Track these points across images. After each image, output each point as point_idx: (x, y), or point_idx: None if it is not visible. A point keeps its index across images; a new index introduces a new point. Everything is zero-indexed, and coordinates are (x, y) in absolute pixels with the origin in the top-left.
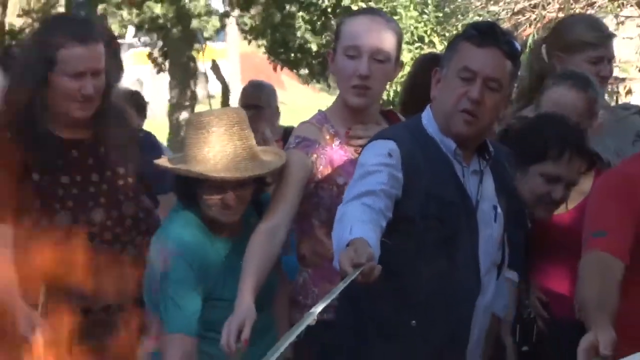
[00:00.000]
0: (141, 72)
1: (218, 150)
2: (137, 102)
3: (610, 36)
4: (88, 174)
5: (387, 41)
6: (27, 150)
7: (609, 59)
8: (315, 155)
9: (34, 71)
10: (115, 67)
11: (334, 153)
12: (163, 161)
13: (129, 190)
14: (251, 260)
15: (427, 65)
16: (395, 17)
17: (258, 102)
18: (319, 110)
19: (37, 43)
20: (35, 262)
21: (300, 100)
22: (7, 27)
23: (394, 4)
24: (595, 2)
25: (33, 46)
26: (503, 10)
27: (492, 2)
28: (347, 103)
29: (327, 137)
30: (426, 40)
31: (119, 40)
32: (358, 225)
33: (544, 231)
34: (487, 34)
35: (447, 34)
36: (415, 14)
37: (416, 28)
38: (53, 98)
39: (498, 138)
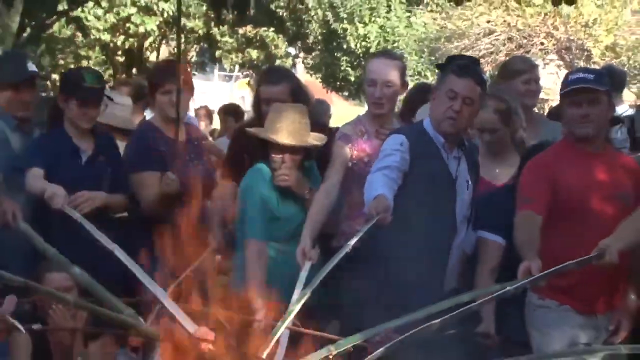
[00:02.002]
0: (244, 93)
1: (284, 126)
2: (237, 112)
3: (534, 65)
4: None
5: (392, 74)
6: None
7: (536, 80)
8: (350, 145)
9: None
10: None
11: (363, 143)
12: (252, 130)
13: None
14: (313, 209)
15: (419, 90)
16: (402, 59)
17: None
18: (358, 116)
19: None
20: None
21: (342, 112)
22: None
23: (402, 50)
24: (529, 51)
25: None
26: (472, 56)
27: (464, 50)
28: (372, 113)
29: (359, 133)
30: (422, 74)
31: (230, 74)
32: (380, 187)
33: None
34: (465, 68)
35: (436, 70)
36: (416, 57)
37: (416, 65)
38: None
39: None
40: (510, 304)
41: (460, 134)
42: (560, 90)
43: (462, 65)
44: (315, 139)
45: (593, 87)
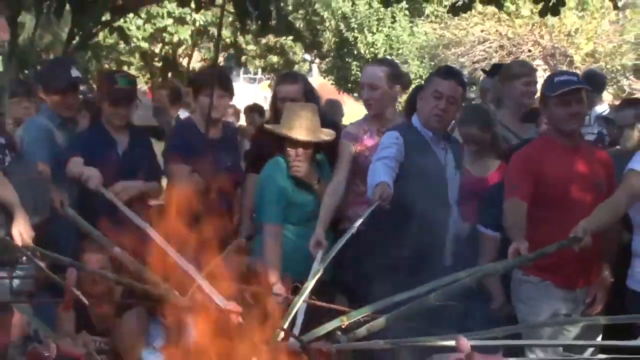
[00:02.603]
0: (266, 94)
1: (298, 124)
2: (261, 111)
3: (533, 69)
4: None
5: (378, 78)
6: None
7: (534, 82)
8: (354, 142)
9: None
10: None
11: (365, 140)
12: (269, 126)
13: None
14: (324, 206)
15: (419, 91)
16: (406, 64)
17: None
18: (365, 116)
19: None
20: None
21: (353, 111)
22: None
23: (405, 56)
24: (518, 57)
25: None
26: (467, 61)
27: (460, 56)
28: (369, 114)
29: (362, 132)
30: (423, 77)
31: (254, 76)
32: (382, 175)
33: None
34: (448, 72)
35: None
36: (417, 62)
37: (418, 70)
38: None
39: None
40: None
41: (446, 129)
42: (550, 91)
43: (446, 70)
44: (325, 134)
45: (583, 86)
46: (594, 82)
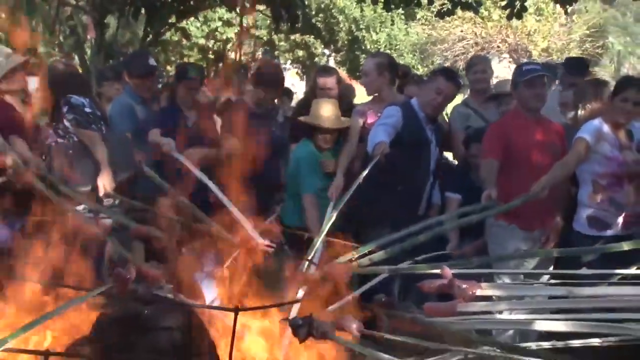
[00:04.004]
0: (294, 81)
1: (324, 115)
2: (290, 93)
3: (484, 61)
4: None
5: (367, 66)
6: None
7: (485, 71)
8: (362, 117)
9: None
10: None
11: (368, 117)
12: (302, 118)
13: None
14: (341, 160)
15: (410, 78)
16: (402, 57)
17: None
18: (372, 98)
19: None
20: None
21: (361, 94)
22: None
23: (401, 51)
24: (489, 52)
25: None
26: (450, 55)
27: (444, 51)
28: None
29: (367, 109)
30: (415, 67)
31: (285, 66)
32: (381, 136)
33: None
34: (451, 76)
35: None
36: (411, 55)
37: (411, 62)
38: None
39: None
40: None
41: (436, 116)
42: (521, 77)
43: (449, 73)
44: (345, 122)
45: (545, 73)
46: (551, 71)
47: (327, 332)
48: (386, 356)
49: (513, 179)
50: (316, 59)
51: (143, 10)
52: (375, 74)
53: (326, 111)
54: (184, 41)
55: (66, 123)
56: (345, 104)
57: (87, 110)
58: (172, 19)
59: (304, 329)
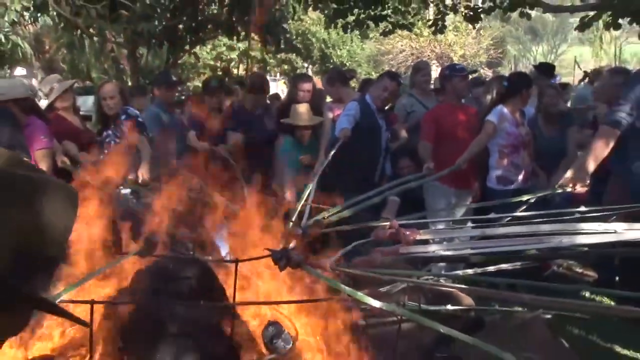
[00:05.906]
0: (282, 88)
1: (302, 117)
2: (278, 98)
3: (428, 66)
4: None
5: (323, 82)
6: None
7: (428, 73)
8: (329, 112)
9: None
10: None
11: (335, 111)
12: (284, 120)
13: None
14: (321, 145)
15: (364, 81)
16: (360, 67)
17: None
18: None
19: None
20: None
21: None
22: None
23: (359, 62)
24: (422, 59)
25: None
26: (394, 63)
27: (390, 60)
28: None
29: (334, 106)
30: (369, 74)
31: (274, 78)
32: (345, 123)
33: None
34: (393, 76)
35: (377, 74)
36: (366, 65)
37: (367, 70)
38: None
39: None
40: None
41: (384, 107)
42: (456, 72)
43: (391, 74)
44: (316, 119)
45: (468, 73)
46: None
47: (300, 262)
48: (347, 288)
49: (445, 152)
50: (297, 70)
51: (166, 43)
52: (328, 86)
53: (302, 113)
54: (198, 63)
55: (123, 128)
56: (318, 103)
57: (140, 119)
58: (188, 47)
59: (283, 261)
